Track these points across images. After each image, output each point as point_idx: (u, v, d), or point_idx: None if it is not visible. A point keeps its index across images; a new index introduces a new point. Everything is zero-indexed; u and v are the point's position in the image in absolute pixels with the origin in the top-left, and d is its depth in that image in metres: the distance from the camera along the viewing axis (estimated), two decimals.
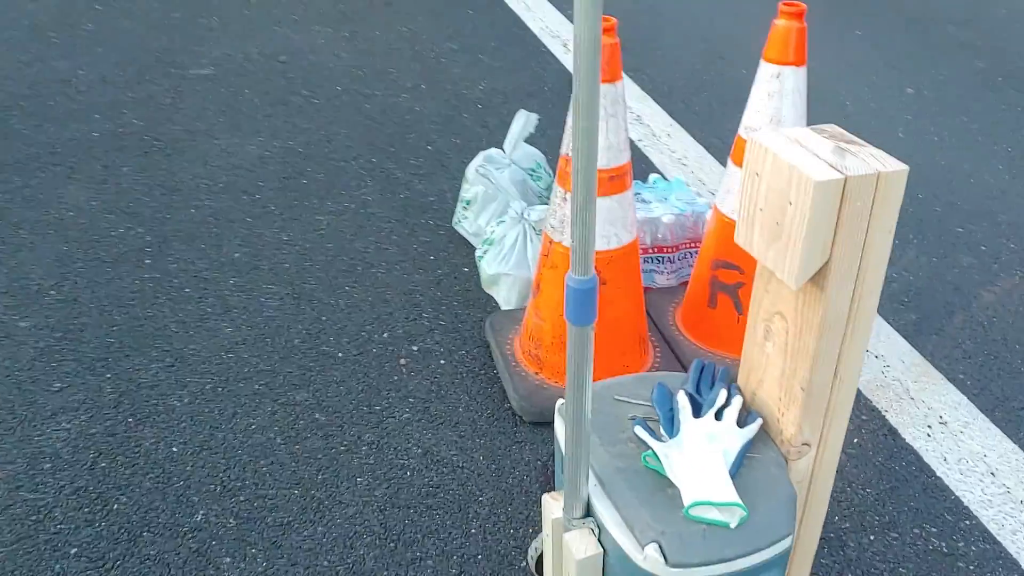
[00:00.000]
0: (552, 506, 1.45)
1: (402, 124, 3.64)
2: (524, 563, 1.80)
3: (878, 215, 1.24)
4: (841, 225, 1.23)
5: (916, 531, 1.91)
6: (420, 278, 2.68)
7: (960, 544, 1.88)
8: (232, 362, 2.31)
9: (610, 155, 2.00)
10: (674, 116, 3.80)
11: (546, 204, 2.71)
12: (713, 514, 1.30)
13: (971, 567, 1.82)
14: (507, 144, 2.78)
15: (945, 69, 4.33)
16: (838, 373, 1.38)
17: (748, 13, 5.06)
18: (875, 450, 2.11)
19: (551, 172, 2.87)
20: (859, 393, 2.25)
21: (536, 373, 2.22)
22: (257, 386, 2.23)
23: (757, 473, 1.39)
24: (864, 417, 2.21)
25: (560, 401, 1.55)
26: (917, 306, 2.63)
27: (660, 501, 1.34)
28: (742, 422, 1.45)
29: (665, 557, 1.28)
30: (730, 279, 2.25)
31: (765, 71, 2.09)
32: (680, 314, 2.45)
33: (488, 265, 2.51)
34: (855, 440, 2.14)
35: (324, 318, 2.49)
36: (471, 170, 2.79)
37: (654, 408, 1.49)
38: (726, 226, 2.22)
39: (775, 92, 2.07)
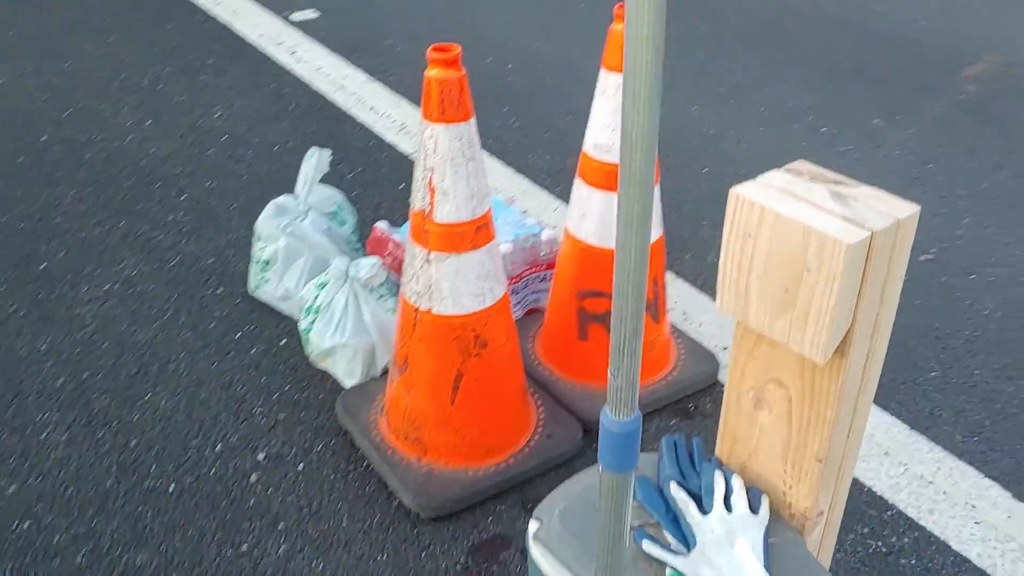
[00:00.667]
0: None
1: (140, 173, 3.11)
2: None
3: (895, 263, 1.10)
4: (865, 284, 1.07)
5: (851, 536, 1.87)
6: (232, 364, 2.27)
7: (893, 539, 1.86)
8: (30, 534, 1.80)
9: (474, 204, 1.74)
10: None
11: (364, 256, 2.40)
12: None
13: (913, 561, 1.80)
14: (299, 188, 2.42)
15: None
16: (852, 431, 1.24)
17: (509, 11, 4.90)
18: None
19: (355, 212, 2.55)
20: None
21: (419, 459, 1.93)
22: (78, 559, 1.75)
23: (785, 560, 1.23)
24: None
25: (534, 525, 1.30)
26: None
27: None
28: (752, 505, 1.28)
29: None
30: (600, 308, 2.08)
31: (609, 81, 1.91)
32: (542, 350, 2.25)
33: (319, 338, 2.16)
34: None
35: (133, 442, 2.03)
36: (263, 225, 2.40)
37: (646, 511, 1.28)
38: (586, 253, 2.05)
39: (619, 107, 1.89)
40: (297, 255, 2.37)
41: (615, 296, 0.88)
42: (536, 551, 1.29)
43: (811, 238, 1.05)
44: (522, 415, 2.01)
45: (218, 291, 2.53)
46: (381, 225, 2.38)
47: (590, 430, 2.06)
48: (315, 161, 2.37)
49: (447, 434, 1.89)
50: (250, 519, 1.84)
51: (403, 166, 3.18)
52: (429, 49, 1.61)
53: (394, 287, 2.25)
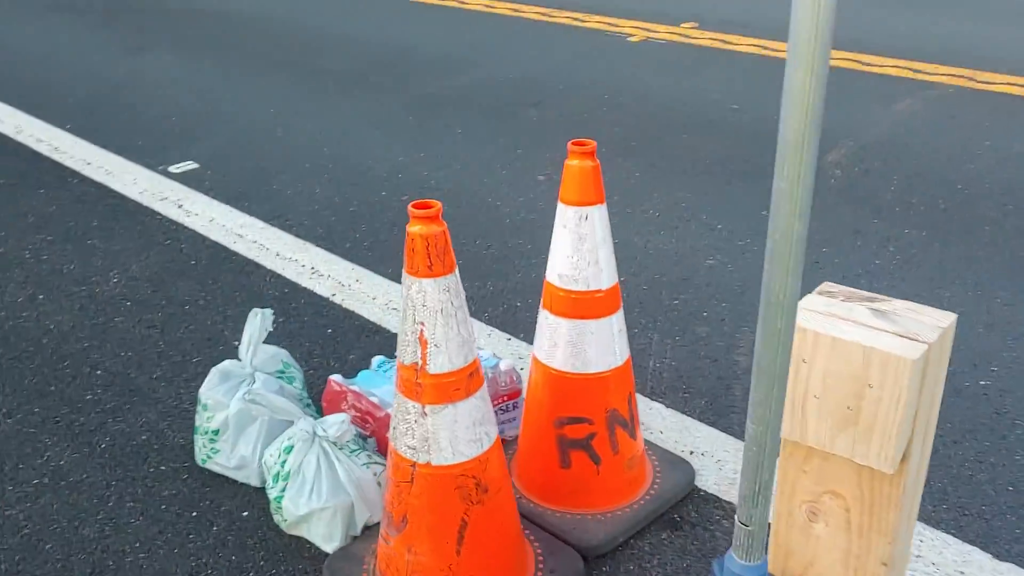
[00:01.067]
0: None
1: (44, 352, 2.93)
2: None
3: (942, 368, 1.17)
4: (923, 393, 1.13)
5: None
6: (195, 546, 2.13)
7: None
8: None
9: (465, 352, 1.74)
10: (354, 260, 3.55)
11: (320, 414, 2.33)
12: None
13: None
14: (243, 351, 2.34)
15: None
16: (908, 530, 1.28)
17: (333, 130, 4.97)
18: None
19: (299, 368, 2.48)
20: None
21: None
22: None
23: None
24: None
25: None
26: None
27: None
28: None
29: None
30: (581, 433, 2.09)
31: (569, 214, 1.97)
32: (521, 482, 2.23)
33: (294, 504, 2.07)
34: None
35: None
36: (209, 393, 2.30)
37: None
38: (561, 380, 2.07)
39: (587, 235, 1.96)
40: (250, 420, 2.28)
41: (747, 449, 0.89)
42: None
43: (872, 357, 1.10)
44: (523, 554, 1.97)
45: (161, 468, 2.39)
46: (336, 378, 2.33)
47: (588, 559, 2.03)
48: (259, 321, 2.31)
49: None
50: None
51: (325, 310, 3.13)
52: (410, 206, 1.62)
53: (361, 440, 2.19)
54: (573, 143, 1.93)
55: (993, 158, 4.42)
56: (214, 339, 2.98)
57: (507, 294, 3.23)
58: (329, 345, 2.93)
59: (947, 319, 1.16)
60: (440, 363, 1.69)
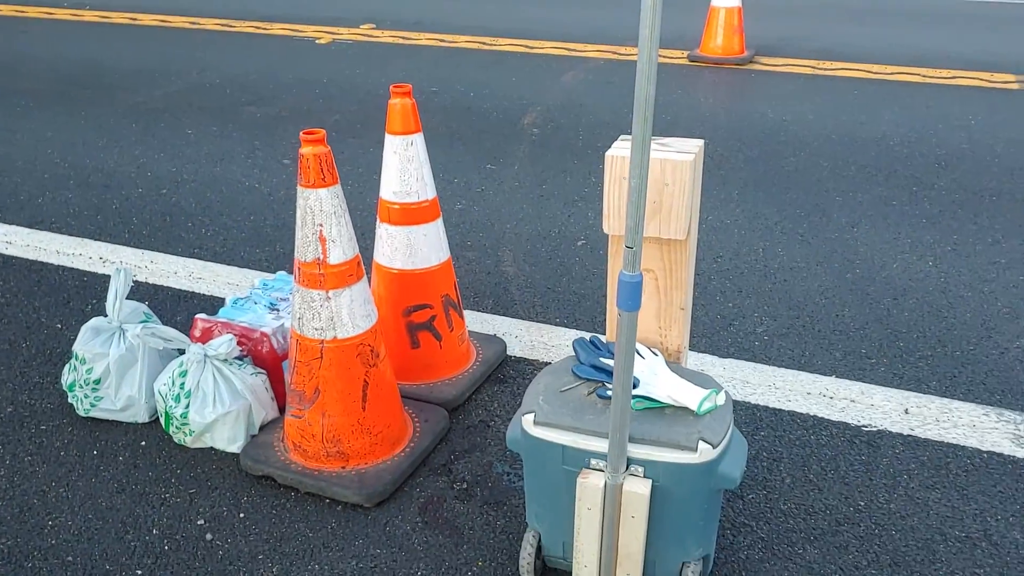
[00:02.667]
0: (592, 481, 1.80)
1: None
2: None
3: (700, 172, 1.93)
4: (695, 185, 1.88)
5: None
6: (109, 474, 2.43)
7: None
8: None
9: (353, 245, 2.25)
10: (139, 246, 3.80)
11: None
12: (709, 404, 1.86)
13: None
14: (110, 307, 2.64)
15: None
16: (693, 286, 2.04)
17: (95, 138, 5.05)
18: None
19: (156, 318, 2.81)
20: None
21: (343, 467, 2.35)
22: None
23: (683, 374, 1.97)
24: None
25: (528, 418, 1.87)
26: None
27: (661, 420, 1.84)
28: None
29: (713, 444, 1.80)
30: (425, 317, 2.67)
31: (396, 142, 2.54)
32: None
33: (200, 415, 2.45)
34: None
35: None
36: (86, 348, 2.58)
37: (593, 380, 1.95)
38: (403, 277, 2.62)
39: (413, 157, 2.54)
40: (131, 363, 2.59)
41: (629, 214, 1.55)
42: (539, 432, 1.87)
43: (666, 166, 1.82)
44: (403, 411, 2.52)
45: (42, 428, 2.62)
46: (202, 316, 2.70)
47: (448, 411, 2.62)
48: (122, 277, 2.62)
49: (363, 437, 2.34)
50: (223, 571, 2.12)
51: (134, 289, 3.40)
52: (301, 133, 2.11)
53: (238, 358, 2.59)
54: (394, 86, 2.50)
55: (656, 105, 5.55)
56: (32, 327, 3.15)
57: (290, 255, 3.69)
58: (156, 312, 3.22)
59: (699, 143, 1.92)
60: (337, 255, 2.20)
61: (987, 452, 2.45)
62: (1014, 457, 2.43)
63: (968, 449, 2.46)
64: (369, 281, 2.65)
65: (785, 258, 3.61)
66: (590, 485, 1.82)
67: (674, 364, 2.01)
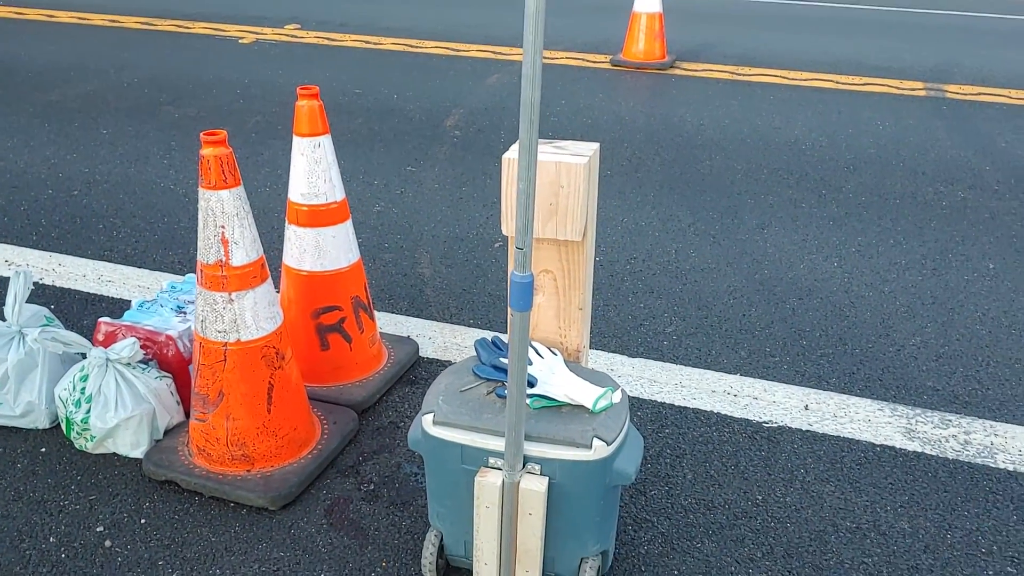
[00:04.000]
0: (490, 479, 1.83)
1: None
2: None
3: (595, 175, 1.97)
4: (590, 187, 1.92)
5: None
6: (6, 481, 2.38)
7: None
8: None
9: (256, 247, 2.25)
10: (47, 248, 3.72)
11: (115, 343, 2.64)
12: (604, 402, 1.90)
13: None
14: (9, 311, 2.59)
15: None
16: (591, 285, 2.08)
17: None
18: None
19: (59, 321, 2.76)
20: None
21: (249, 470, 2.34)
22: None
23: (582, 373, 2.01)
24: None
25: (427, 418, 1.89)
26: None
27: (557, 419, 1.88)
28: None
29: (608, 441, 1.84)
30: (334, 319, 2.67)
31: (303, 144, 2.53)
32: None
33: (102, 420, 2.41)
34: None
35: None
36: None
37: (493, 380, 1.97)
38: (313, 280, 2.62)
39: (321, 158, 2.54)
40: (31, 368, 2.54)
41: (518, 216, 1.58)
42: (439, 431, 1.89)
43: (561, 168, 1.85)
44: (312, 414, 2.51)
45: None
46: (105, 319, 2.65)
47: (358, 412, 2.63)
48: (22, 281, 2.56)
49: (269, 439, 2.33)
50: None
51: (40, 291, 3.32)
52: (202, 135, 2.10)
53: (143, 362, 2.55)
54: (300, 88, 2.50)
55: (570, 108, 5.61)
56: None
57: None
58: (61, 318, 3.15)
59: (594, 146, 1.96)
60: (240, 257, 2.19)
61: (880, 445, 2.54)
62: (905, 450, 2.53)
63: (863, 443, 2.55)
64: (279, 283, 2.64)
65: (696, 259, 3.69)
66: (488, 483, 1.85)
67: (573, 364, 2.04)
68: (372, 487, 2.35)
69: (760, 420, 2.65)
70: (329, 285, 2.63)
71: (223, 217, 2.14)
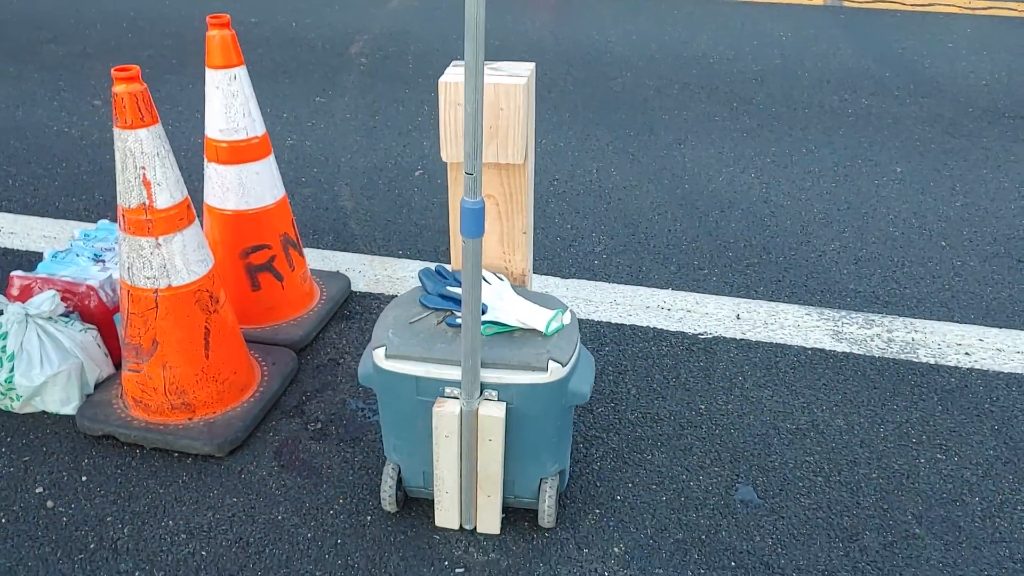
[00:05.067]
0: (448, 409, 1.82)
1: None
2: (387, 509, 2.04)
3: (532, 91, 1.93)
4: (528, 108, 1.89)
5: None
6: None
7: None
8: None
9: (180, 187, 2.15)
10: None
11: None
12: (556, 324, 1.91)
13: None
14: None
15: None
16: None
17: None
18: None
19: None
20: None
21: (190, 418, 2.28)
22: None
23: (531, 296, 2.01)
24: None
25: (379, 351, 1.86)
26: None
27: (511, 344, 1.88)
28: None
29: (563, 363, 1.85)
30: (264, 258, 2.59)
31: (217, 77, 2.42)
32: None
33: (27, 378, 2.31)
34: None
35: None
36: None
37: (442, 309, 1.95)
38: (238, 218, 2.53)
39: (238, 92, 2.43)
40: None
41: (466, 140, 1.54)
42: (391, 364, 1.87)
43: (500, 90, 1.81)
44: (250, 356, 2.45)
45: None
46: (17, 272, 2.51)
47: (296, 351, 2.58)
48: None
49: (209, 385, 2.27)
50: (70, 537, 2.03)
51: None
52: (113, 70, 1.97)
53: (64, 315, 2.44)
54: (211, 17, 2.37)
55: None
56: None
57: (111, 202, 3.48)
58: None
59: (530, 66, 1.92)
60: (164, 199, 2.09)
61: (811, 349, 2.63)
62: (834, 351, 2.62)
63: (794, 347, 2.64)
64: (201, 224, 2.54)
65: (618, 177, 3.71)
66: (446, 413, 1.84)
67: (520, 288, 2.04)
68: (320, 426, 2.32)
69: (695, 332, 2.71)
70: (256, 223, 2.54)
71: (143, 158, 2.03)
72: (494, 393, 1.85)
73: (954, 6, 6.12)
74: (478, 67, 1.47)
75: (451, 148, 1.89)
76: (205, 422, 2.25)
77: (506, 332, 1.89)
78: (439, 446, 1.89)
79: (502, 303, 1.93)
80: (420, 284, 2.04)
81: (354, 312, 2.80)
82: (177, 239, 2.12)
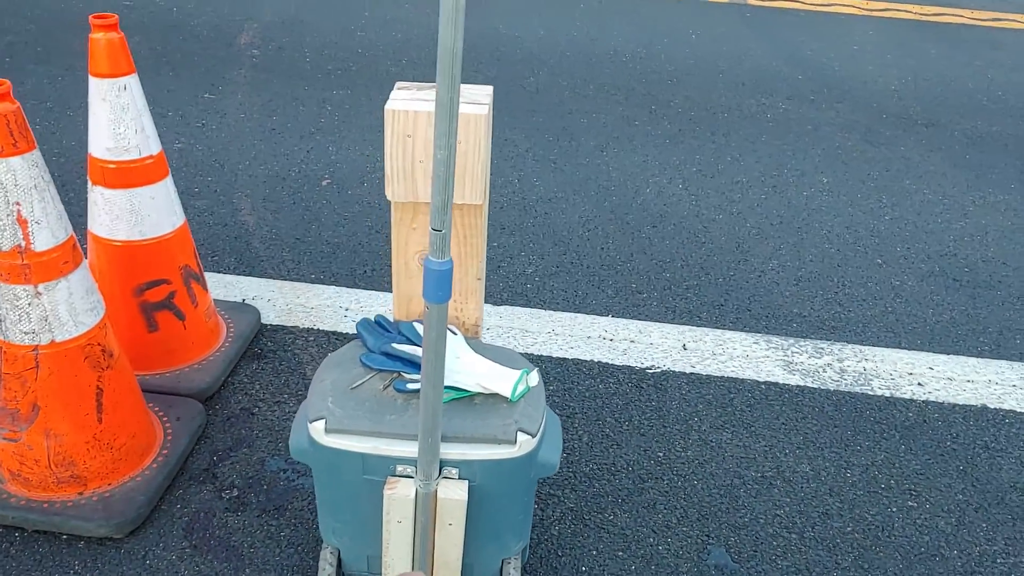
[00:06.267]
0: (400, 491, 1.56)
1: None
2: None
3: (490, 123, 1.68)
4: (488, 141, 1.64)
5: None
6: None
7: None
8: None
9: (64, 224, 1.81)
10: None
11: None
12: (522, 387, 1.67)
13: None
14: None
15: None
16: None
17: None
18: None
19: None
20: None
21: (81, 492, 1.94)
22: None
23: (488, 351, 1.77)
24: None
25: (318, 425, 1.58)
26: None
27: (471, 412, 1.64)
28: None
29: (532, 433, 1.62)
30: (162, 295, 2.25)
31: (103, 87, 2.07)
32: None
33: None
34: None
35: None
36: None
37: (388, 370, 1.69)
38: (131, 250, 2.19)
39: (128, 104, 2.09)
40: None
41: (435, 192, 1.27)
42: (333, 440, 1.59)
43: (459, 121, 1.55)
44: (150, 413, 2.12)
45: None
46: None
47: (203, 401, 2.25)
48: None
49: (102, 453, 1.93)
50: None
51: None
52: None
53: None
54: (94, 17, 2.01)
55: (377, 20, 5.17)
56: None
57: None
58: None
59: (488, 89, 1.66)
60: (45, 239, 1.74)
61: (764, 383, 2.48)
62: (788, 385, 2.48)
63: (747, 382, 2.48)
64: (85, 255, 2.18)
65: (542, 189, 3.49)
66: (399, 496, 1.58)
67: (474, 341, 1.79)
68: (236, 493, 2.02)
69: (642, 366, 2.52)
70: (152, 255, 2.20)
71: (16, 191, 1.68)
72: (454, 471, 1.60)
73: (852, 7, 6.15)
74: (453, 107, 1.21)
75: (397, 186, 1.62)
76: (99, 497, 1.92)
77: (464, 397, 1.64)
78: (390, 532, 1.63)
79: (459, 363, 1.68)
80: (358, 336, 1.77)
81: (266, 350, 2.48)
82: (62, 286, 1.77)
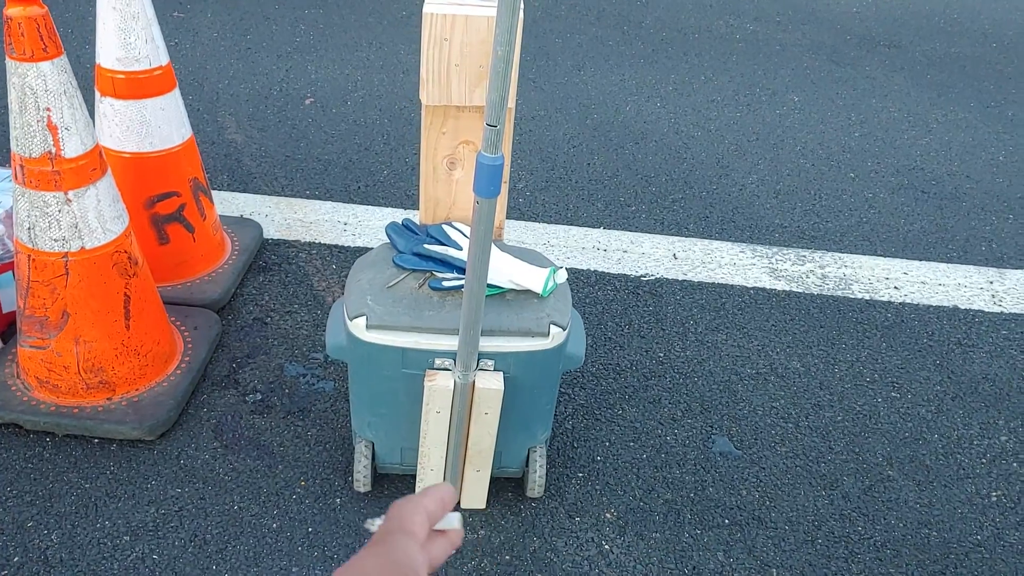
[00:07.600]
0: (440, 382, 1.64)
1: None
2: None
3: (520, 34, 1.73)
4: (518, 42, 1.69)
5: None
6: None
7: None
8: None
9: (92, 131, 1.82)
10: None
11: None
12: (552, 284, 1.75)
13: None
14: None
15: None
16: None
17: None
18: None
19: None
20: None
21: (110, 398, 1.99)
22: None
23: (516, 252, 1.84)
24: None
25: (359, 322, 1.65)
26: None
27: (505, 308, 1.72)
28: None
29: (563, 326, 1.71)
30: (172, 207, 2.27)
31: None
32: None
33: None
34: None
35: None
36: None
37: (420, 269, 1.76)
38: (142, 162, 2.20)
39: (139, 13, 2.08)
40: None
41: (493, 87, 1.33)
42: (374, 336, 1.66)
43: (494, 24, 1.60)
44: (168, 321, 2.16)
45: None
46: None
47: (216, 311, 2.30)
48: None
49: (130, 359, 1.97)
50: (1, 550, 1.73)
51: None
52: None
53: None
54: None
55: None
56: None
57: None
58: None
59: None
60: (74, 146, 1.75)
61: (753, 288, 2.60)
62: (775, 290, 2.61)
63: (736, 287, 2.60)
64: None
65: (524, 106, 3.53)
66: (439, 387, 1.66)
67: (499, 242, 1.86)
68: (259, 396, 2.08)
69: (637, 274, 2.62)
70: (162, 167, 2.21)
71: (47, 97, 1.69)
72: (490, 363, 1.68)
73: None
74: (515, 3, 1.26)
75: (432, 89, 1.66)
76: (128, 402, 1.97)
77: (497, 294, 1.72)
78: (428, 422, 1.71)
79: (491, 262, 1.75)
80: (388, 239, 1.83)
81: (270, 263, 2.52)
82: (91, 193, 1.80)
